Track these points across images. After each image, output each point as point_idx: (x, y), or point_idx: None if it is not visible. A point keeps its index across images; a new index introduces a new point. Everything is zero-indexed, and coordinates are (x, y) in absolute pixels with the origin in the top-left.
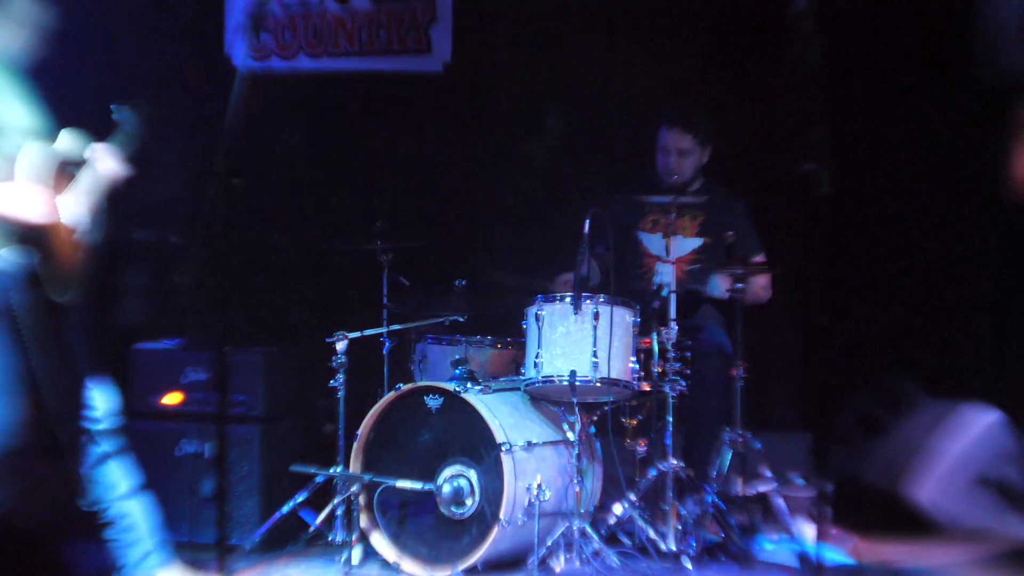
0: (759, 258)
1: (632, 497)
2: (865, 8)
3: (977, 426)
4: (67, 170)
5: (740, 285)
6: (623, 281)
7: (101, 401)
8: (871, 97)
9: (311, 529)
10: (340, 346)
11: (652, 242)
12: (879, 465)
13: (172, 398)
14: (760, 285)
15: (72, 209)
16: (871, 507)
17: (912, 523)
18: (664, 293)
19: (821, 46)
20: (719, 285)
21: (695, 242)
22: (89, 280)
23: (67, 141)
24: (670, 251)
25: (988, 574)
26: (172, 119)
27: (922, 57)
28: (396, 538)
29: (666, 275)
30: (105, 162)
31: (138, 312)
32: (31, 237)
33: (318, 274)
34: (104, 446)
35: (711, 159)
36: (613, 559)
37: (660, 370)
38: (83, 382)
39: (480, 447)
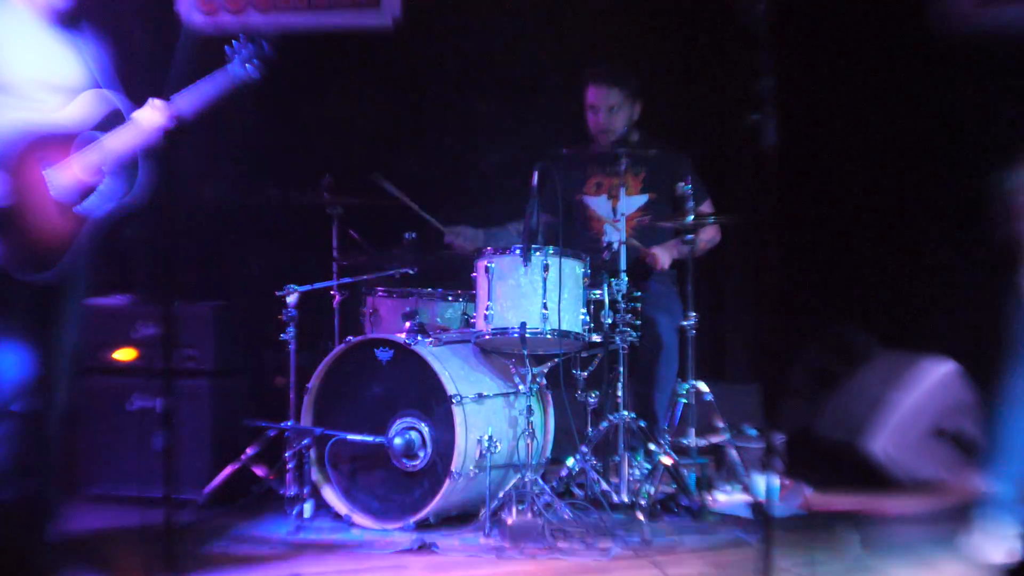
0: (706, 206)
1: (584, 449)
2: None
3: (932, 377)
4: (84, 136)
5: (690, 236)
6: (574, 246)
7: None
8: (820, 46)
9: (262, 483)
10: (290, 299)
11: (599, 204)
12: (833, 417)
13: (124, 353)
14: (706, 238)
15: (69, 180)
16: (824, 459)
17: (866, 474)
18: (615, 247)
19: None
20: (665, 260)
21: (640, 199)
22: (84, 254)
23: (84, 104)
24: (617, 211)
25: (942, 525)
26: (122, 74)
27: (871, 6)
28: (347, 492)
29: (615, 235)
30: (152, 117)
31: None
32: None
33: (269, 228)
34: None
35: (653, 113)
36: (565, 511)
37: (611, 321)
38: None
39: (431, 399)
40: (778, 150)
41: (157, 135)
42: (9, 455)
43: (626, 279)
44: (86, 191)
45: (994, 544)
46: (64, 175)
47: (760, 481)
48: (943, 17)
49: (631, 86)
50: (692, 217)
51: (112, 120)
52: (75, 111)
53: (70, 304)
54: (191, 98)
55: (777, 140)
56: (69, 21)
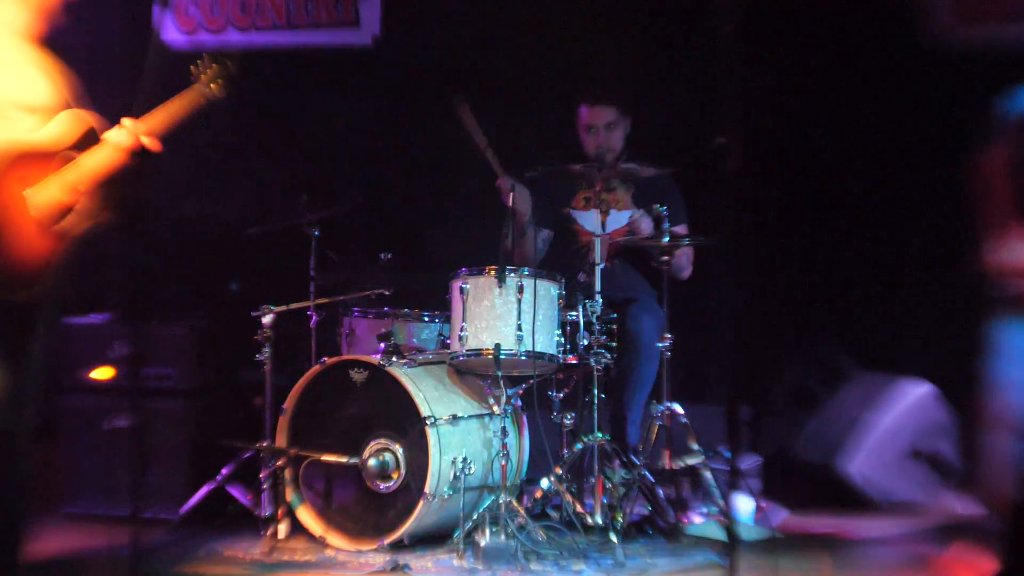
0: (681, 229)
1: (559, 471)
2: None
3: (909, 399)
4: (62, 155)
5: (666, 257)
6: (561, 260)
7: None
8: (790, 70)
9: (238, 503)
10: (266, 319)
11: (586, 219)
12: (810, 437)
13: (102, 372)
14: (683, 260)
15: (47, 200)
16: (801, 480)
17: (842, 496)
18: (594, 268)
19: (737, 17)
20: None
21: (627, 214)
22: (62, 274)
23: (62, 124)
24: (605, 225)
25: (919, 547)
26: (103, 94)
27: (843, 28)
28: (322, 512)
29: (597, 252)
30: (122, 137)
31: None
32: None
33: (246, 248)
34: None
35: (635, 130)
36: (539, 533)
37: (586, 343)
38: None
39: (405, 421)
40: (748, 172)
41: (130, 155)
42: None
43: (601, 301)
44: (64, 211)
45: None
46: (42, 195)
47: (735, 503)
48: (927, 32)
49: (625, 102)
50: (667, 238)
51: (89, 139)
52: (53, 130)
53: (44, 323)
54: (160, 118)
55: (743, 162)
56: (43, 42)
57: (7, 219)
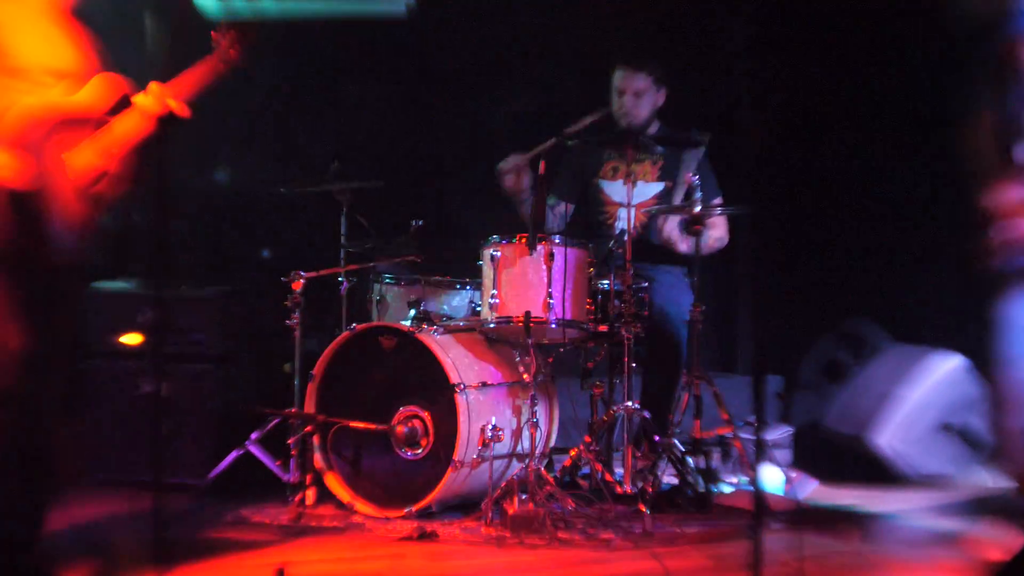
0: (717, 201)
1: (588, 439)
2: None
3: (939, 372)
4: (96, 120)
5: (698, 227)
6: (587, 229)
7: None
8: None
9: (267, 470)
10: (297, 285)
11: (614, 189)
12: (840, 410)
13: (132, 338)
14: (716, 235)
15: (84, 164)
16: (832, 452)
17: (873, 469)
18: (624, 236)
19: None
20: (668, 230)
21: (657, 186)
22: (94, 237)
23: (96, 88)
24: (632, 196)
25: (949, 521)
26: (135, 62)
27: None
28: (350, 479)
29: (625, 220)
30: (158, 105)
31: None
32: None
33: (277, 213)
34: None
35: (669, 103)
36: (568, 502)
37: (618, 313)
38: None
39: (434, 388)
40: (778, 144)
41: (159, 120)
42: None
43: (632, 270)
44: (99, 176)
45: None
46: (80, 159)
47: (766, 473)
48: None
49: (658, 72)
50: (699, 208)
51: (123, 105)
52: (89, 95)
53: (71, 289)
54: (186, 82)
55: (772, 135)
56: (72, 11)
57: (49, 183)
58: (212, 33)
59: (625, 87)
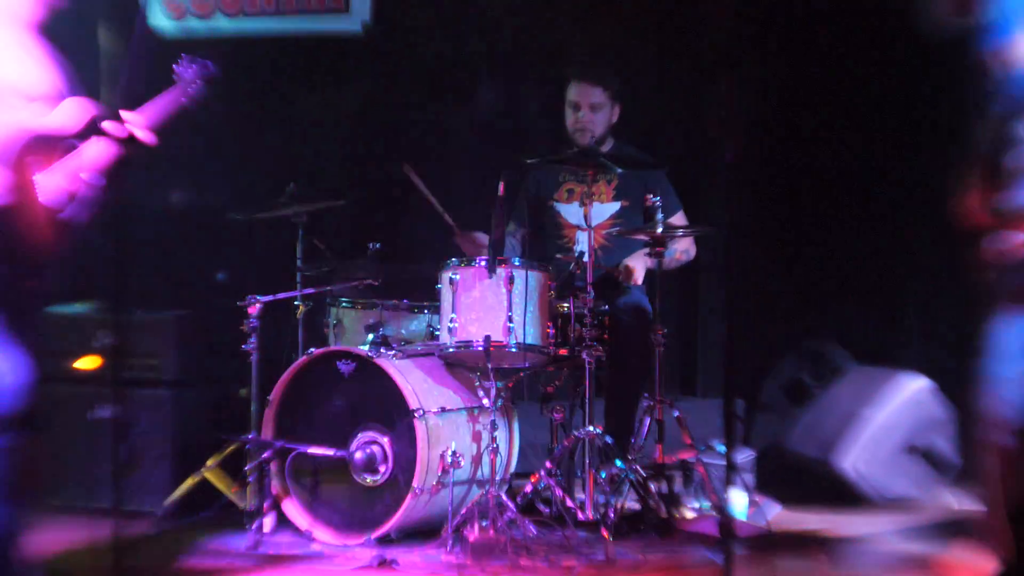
0: (678, 218)
1: (549, 465)
2: None
3: (905, 393)
4: (65, 143)
5: (660, 249)
6: (546, 253)
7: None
8: (792, 64)
9: (223, 498)
10: (253, 309)
11: (570, 212)
12: (804, 432)
13: (87, 362)
14: (680, 248)
15: (55, 187)
16: (795, 475)
17: (836, 491)
18: (584, 259)
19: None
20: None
21: (613, 206)
22: (59, 260)
23: (67, 111)
24: (589, 219)
25: (916, 544)
26: (92, 81)
27: (841, 22)
28: (308, 505)
29: (584, 243)
30: (127, 131)
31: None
32: None
33: (233, 237)
34: None
35: (629, 120)
36: (530, 528)
37: (577, 335)
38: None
39: (393, 413)
40: (742, 164)
41: (127, 146)
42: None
43: (593, 293)
44: (68, 198)
45: None
46: (50, 181)
47: (728, 498)
48: (927, 22)
49: (614, 86)
50: (661, 229)
51: (91, 128)
52: (59, 117)
53: (40, 310)
54: (154, 111)
55: (739, 155)
56: (39, 31)
57: (23, 200)
58: (173, 67)
59: (581, 101)
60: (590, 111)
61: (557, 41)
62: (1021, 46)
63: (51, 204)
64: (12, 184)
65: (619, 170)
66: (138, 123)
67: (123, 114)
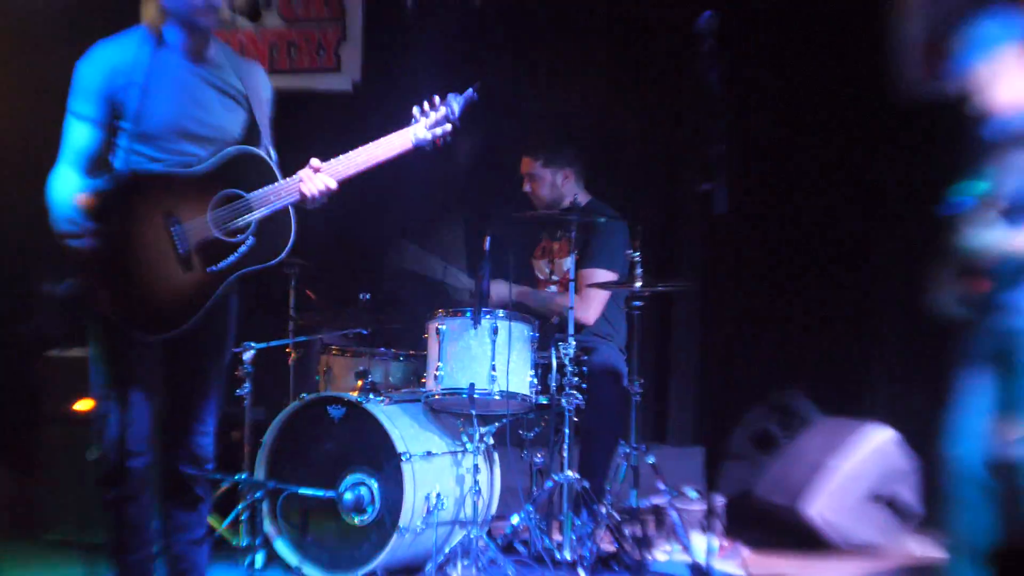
0: (591, 271)
1: (529, 507)
2: (767, 28)
3: (870, 443)
4: (225, 194)
5: (556, 320)
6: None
7: None
8: (771, 118)
9: (215, 534)
10: (247, 356)
11: (541, 268)
12: (772, 480)
13: (85, 404)
14: (558, 302)
15: (199, 237)
16: (763, 521)
17: (804, 538)
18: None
19: (721, 66)
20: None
21: (570, 260)
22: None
23: (228, 160)
24: (555, 274)
25: None
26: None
27: (818, 79)
28: (298, 544)
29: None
30: (312, 180)
31: (53, 321)
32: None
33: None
34: None
35: (605, 178)
36: (510, 568)
37: (558, 384)
38: None
39: (381, 456)
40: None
41: (313, 198)
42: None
43: (573, 343)
44: (221, 249)
45: None
46: (196, 231)
47: (699, 542)
48: (901, 84)
49: (555, 158)
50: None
51: (259, 177)
52: (218, 165)
53: (200, 358)
54: (353, 162)
55: (729, 209)
56: (227, 63)
57: (149, 255)
58: (416, 108)
59: (524, 171)
60: (530, 181)
61: (540, 102)
62: (983, 79)
63: (194, 256)
64: (134, 239)
65: (572, 233)
66: (326, 173)
67: (312, 162)
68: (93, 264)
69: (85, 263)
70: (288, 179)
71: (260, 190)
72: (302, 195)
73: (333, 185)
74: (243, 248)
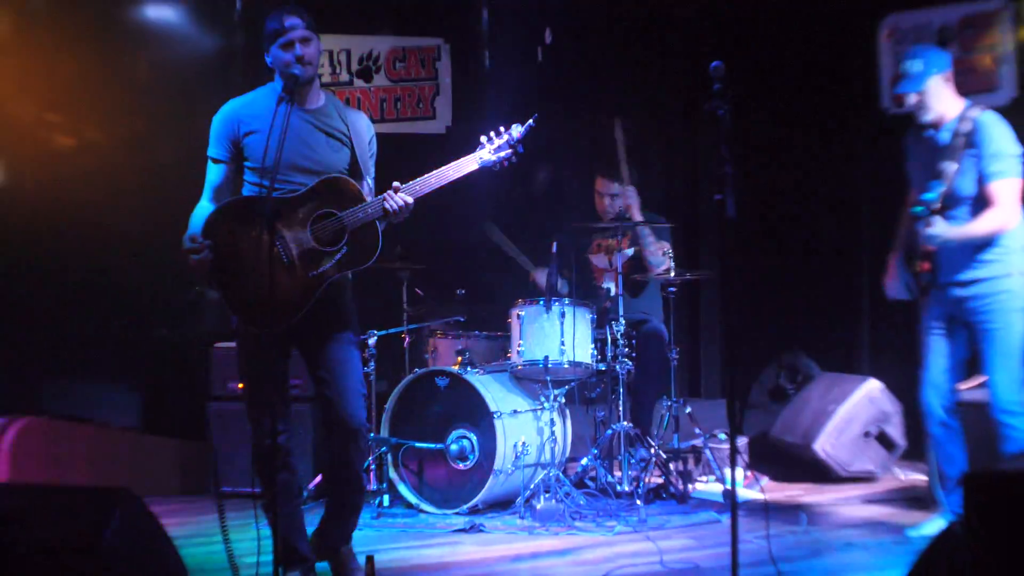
0: (658, 245)
1: (594, 451)
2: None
3: (862, 391)
4: (322, 212)
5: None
6: (584, 290)
7: None
8: (771, 139)
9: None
10: (371, 341)
11: (600, 260)
12: (784, 424)
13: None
14: (656, 254)
15: (303, 248)
16: (779, 456)
17: (811, 469)
18: (612, 294)
19: (728, 103)
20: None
21: (629, 251)
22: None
23: (328, 185)
24: (613, 263)
25: (874, 508)
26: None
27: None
28: (416, 487)
29: (610, 281)
30: (395, 199)
31: (216, 318)
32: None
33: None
34: None
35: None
36: (581, 499)
37: (613, 354)
38: None
39: (478, 415)
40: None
41: (395, 212)
42: None
43: (623, 322)
44: (320, 257)
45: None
46: (297, 243)
47: (729, 473)
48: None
49: (622, 177)
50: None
51: (349, 199)
52: (315, 190)
53: (324, 341)
54: (427, 182)
55: (736, 214)
56: (335, 111)
57: (260, 263)
58: (484, 136)
59: (603, 190)
60: (610, 199)
61: (602, 142)
62: (932, 92)
63: (297, 264)
64: (247, 250)
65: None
66: (407, 194)
67: (395, 185)
68: (213, 274)
69: (207, 274)
70: (374, 199)
71: (350, 209)
72: (385, 211)
73: (411, 201)
74: (338, 255)
